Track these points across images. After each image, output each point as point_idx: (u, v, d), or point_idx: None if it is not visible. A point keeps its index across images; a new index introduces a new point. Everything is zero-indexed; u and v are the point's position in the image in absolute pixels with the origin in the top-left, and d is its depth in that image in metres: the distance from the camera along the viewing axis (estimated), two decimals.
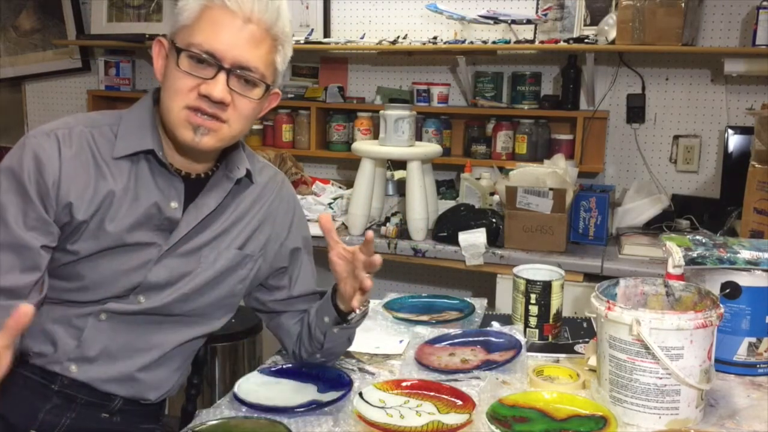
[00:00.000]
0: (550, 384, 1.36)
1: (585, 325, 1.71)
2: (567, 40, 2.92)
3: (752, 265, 1.42)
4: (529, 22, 2.99)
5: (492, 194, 2.87)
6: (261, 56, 1.24)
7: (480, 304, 1.83)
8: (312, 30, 3.32)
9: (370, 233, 1.24)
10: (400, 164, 3.05)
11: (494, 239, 2.62)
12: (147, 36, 3.46)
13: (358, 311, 1.34)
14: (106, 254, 1.26)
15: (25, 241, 1.20)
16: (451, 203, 2.89)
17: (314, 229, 1.34)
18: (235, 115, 1.25)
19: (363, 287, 1.26)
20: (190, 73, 1.21)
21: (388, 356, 1.53)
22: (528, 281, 1.61)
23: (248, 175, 1.38)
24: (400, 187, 3.01)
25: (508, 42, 3.01)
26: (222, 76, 1.21)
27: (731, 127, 2.83)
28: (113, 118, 1.32)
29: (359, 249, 1.25)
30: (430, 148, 2.81)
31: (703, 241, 1.50)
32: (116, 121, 1.30)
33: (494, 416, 1.22)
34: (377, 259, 1.24)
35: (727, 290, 1.44)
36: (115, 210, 1.26)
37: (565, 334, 1.65)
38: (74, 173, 1.23)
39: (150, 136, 1.28)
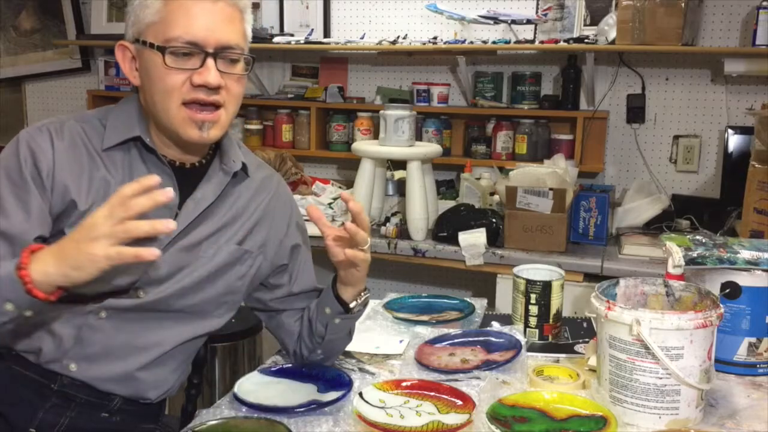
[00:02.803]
0: (550, 384, 1.37)
1: (585, 325, 1.71)
2: (567, 40, 2.92)
3: (752, 265, 1.42)
4: (529, 22, 2.99)
5: (492, 194, 2.87)
6: (237, 31, 1.26)
7: (480, 304, 1.83)
8: (312, 30, 3.32)
9: (351, 204, 1.23)
10: (400, 164, 3.05)
11: (494, 239, 2.62)
12: None
13: (359, 299, 1.36)
14: None
15: (22, 233, 1.19)
16: (451, 203, 2.90)
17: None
18: (229, 97, 1.27)
19: (355, 260, 1.26)
20: (179, 68, 1.22)
21: (388, 356, 1.53)
22: (528, 281, 1.61)
23: (244, 168, 1.38)
24: (400, 187, 3.01)
25: (508, 42, 3.01)
26: (210, 61, 1.22)
27: (731, 127, 2.84)
28: (102, 111, 1.34)
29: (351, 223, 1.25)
30: (430, 148, 2.81)
31: (703, 241, 1.50)
32: (105, 115, 1.32)
33: (494, 416, 1.22)
34: (357, 231, 1.22)
35: (727, 290, 1.44)
36: None
37: (565, 334, 1.65)
38: (68, 164, 1.24)
39: (137, 125, 1.30)
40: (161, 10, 1.22)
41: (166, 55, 1.21)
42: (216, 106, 1.25)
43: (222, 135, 1.30)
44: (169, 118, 1.25)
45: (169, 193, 1.04)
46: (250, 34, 1.31)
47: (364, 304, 1.39)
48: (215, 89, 1.23)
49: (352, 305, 1.36)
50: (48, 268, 1.05)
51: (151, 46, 1.22)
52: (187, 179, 1.33)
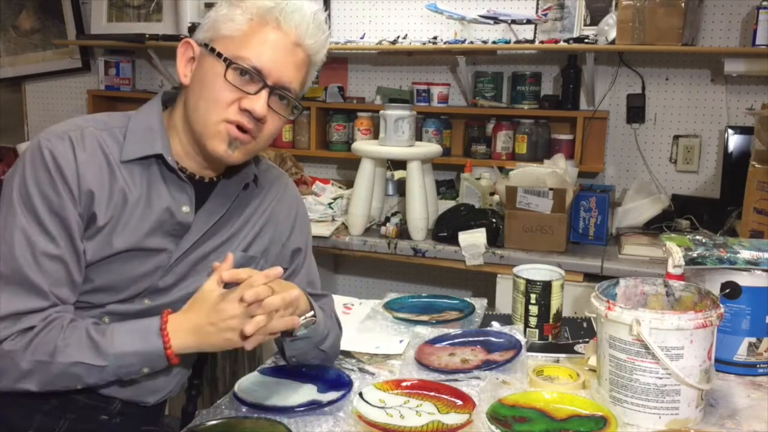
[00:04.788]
0: (550, 384, 1.36)
1: (585, 325, 1.71)
2: (567, 40, 2.92)
3: (752, 265, 1.42)
4: (529, 22, 2.99)
5: (492, 194, 2.87)
6: (300, 79, 1.28)
7: (480, 304, 1.83)
8: None
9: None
10: (400, 164, 3.05)
11: (494, 239, 2.62)
12: (147, 36, 3.46)
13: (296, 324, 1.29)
14: (117, 259, 1.25)
15: (69, 258, 1.20)
16: (451, 203, 2.90)
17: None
18: (266, 132, 1.28)
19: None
20: (235, 86, 1.22)
21: (388, 356, 1.53)
22: (528, 281, 1.61)
23: (254, 179, 1.39)
24: (400, 187, 3.01)
25: (508, 42, 3.01)
26: (264, 93, 1.23)
27: (731, 127, 2.83)
28: (122, 120, 1.31)
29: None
30: (430, 148, 2.81)
31: (703, 241, 1.50)
32: (124, 124, 1.30)
33: (494, 416, 1.22)
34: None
35: (727, 290, 1.44)
36: (128, 215, 1.25)
37: (565, 334, 1.65)
38: (90, 175, 1.22)
39: (159, 141, 1.28)
40: (244, 29, 1.23)
41: (230, 69, 1.21)
42: (252, 134, 1.25)
43: (244, 160, 1.31)
44: (205, 126, 1.25)
45: (278, 271, 1.16)
46: (308, 86, 1.34)
47: (309, 329, 1.31)
48: (257, 120, 1.24)
49: (293, 330, 1.30)
50: (188, 343, 1.17)
51: (219, 55, 1.22)
52: (200, 192, 1.33)
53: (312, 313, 1.31)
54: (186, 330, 1.17)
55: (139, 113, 1.33)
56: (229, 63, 1.22)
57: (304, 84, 1.31)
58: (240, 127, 1.24)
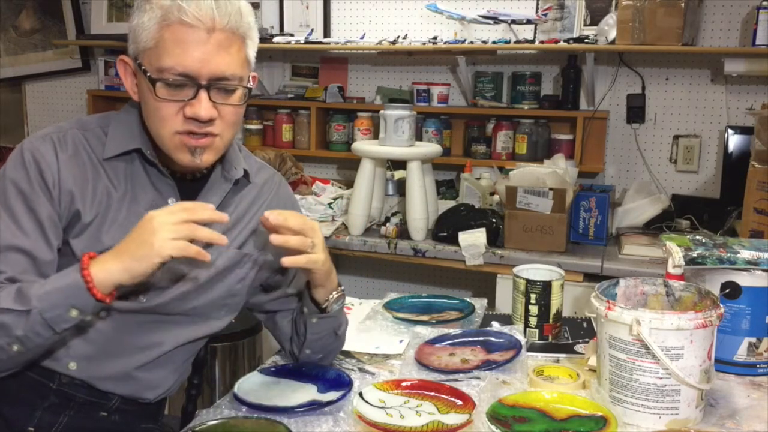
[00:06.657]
0: (550, 384, 1.37)
1: (585, 325, 1.71)
2: (567, 40, 2.92)
3: (752, 265, 1.42)
4: (529, 22, 2.99)
5: (492, 194, 2.87)
6: (234, 60, 1.21)
7: (480, 304, 1.83)
8: (312, 30, 3.33)
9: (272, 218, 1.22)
10: (400, 164, 3.06)
11: (494, 239, 2.62)
12: None
13: (330, 298, 1.34)
14: None
15: (38, 250, 1.21)
16: (451, 203, 2.90)
17: None
18: (224, 125, 1.24)
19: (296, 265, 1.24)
20: (170, 99, 1.19)
21: (388, 356, 1.53)
22: (528, 281, 1.61)
23: (245, 174, 1.38)
24: (400, 187, 3.01)
25: (508, 42, 3.01)
26: (203, 93, 1.19)
27: (731, 127, 2.84)
28: (104, 119, 1.32)
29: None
30: (430, 148, 2.81)
31: (703, 241, 1.50)
32: (106, 123, 1.31)
33: (494, 416, 1.22)
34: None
35: (727, 290, 1.44)
36: (115, 212, 1.26)
37: (565, 334, 1.65)
38: (72, 174, 1.24)
39: (138, 136, 1.29)
40: (156, 36, 1.18)
41: (157, 87, 1.18)
42: (210, 134, 1.23)
43: (216, 158, 1.28)
44: (163, 143, 1.24)
45: (225, 217, 1.17)
46: (252, 57, 1.27)
47: (339, 303, 1.37)
48: (207, 121, 1.21)
49: (324, 305, 1.35)
50: (108, 264, 1.11)
51: (145, 73, 1.20)
52: (189, 189, 1.33)
53: (342, 288, 1.36)
54: (108, 255, 1.12)
55: (120, 112, 1.34)
56: (154, 81, 1.18)
57: (245, 60, 1.24)
58: (195, 133, 1.22)
